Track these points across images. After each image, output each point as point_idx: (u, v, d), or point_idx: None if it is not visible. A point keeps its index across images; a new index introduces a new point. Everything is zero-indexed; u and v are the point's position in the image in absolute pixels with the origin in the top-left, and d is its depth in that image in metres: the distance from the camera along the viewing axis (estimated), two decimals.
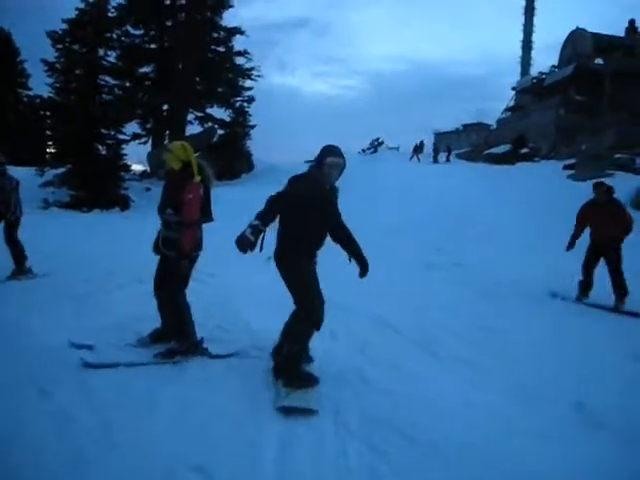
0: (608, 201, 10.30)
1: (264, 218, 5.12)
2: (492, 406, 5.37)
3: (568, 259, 11.14)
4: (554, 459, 4.42)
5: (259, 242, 5.15)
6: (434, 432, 4.66)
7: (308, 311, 5.34)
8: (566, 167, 34.43)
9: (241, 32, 32.66)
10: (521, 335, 7.83)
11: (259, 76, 33.33)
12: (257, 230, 5.03)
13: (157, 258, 6.23)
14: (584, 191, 24.89)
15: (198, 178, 5.88)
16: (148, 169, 29.74)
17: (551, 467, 4.31)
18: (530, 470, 4.25)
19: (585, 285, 10.41)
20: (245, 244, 4.97)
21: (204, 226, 6.22)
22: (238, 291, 9.20)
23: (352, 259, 5.79)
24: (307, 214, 5.30)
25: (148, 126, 32.56)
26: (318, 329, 5.44)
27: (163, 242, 6.03)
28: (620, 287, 9.86)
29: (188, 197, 5.79)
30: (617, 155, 33.17)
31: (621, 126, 38.90)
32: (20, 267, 9.92)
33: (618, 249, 10.04)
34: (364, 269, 5.71)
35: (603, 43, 52.64)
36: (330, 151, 5.38)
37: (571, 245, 10.49)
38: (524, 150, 45.30)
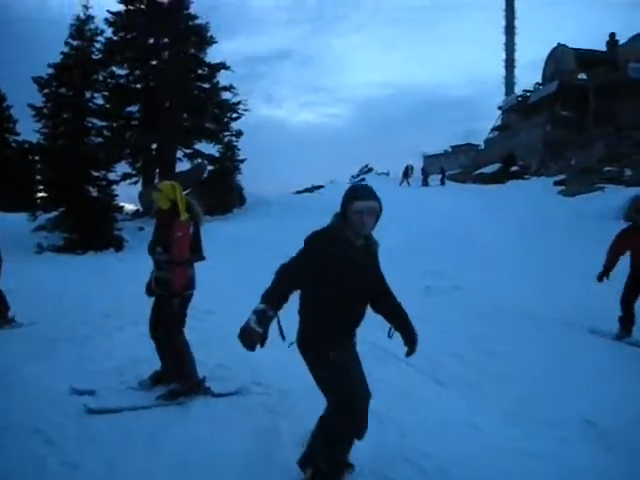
0: None
1: (272, 299, 3.80)
2: (499, 429, 5.36)
3: (565, 279, 11.14)
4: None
5: (275, 329, 3.98)
6: (443, 460, 4.64)
7: (344, 415, 3.97)
8: (556, 183, 34.55)
9: (225, 67, 32.76)
10: (523, 358, 7.80)
11: (246, 110, 33.32)
12: (264, 317, 3.74)
13: (152, 299, 6.22)
14: (575, 206, 25.24)
15: (185, 216, 5.91)
16: (140, 209, 29.74)
17: None
18: None
19: (627, 321, 9.03)
20: (250, 338, 3.73)
21: (197, 264, 6.21)
22: (238, 328, 9.12)
23: (396, 332, 4.36)
24: (334, 283, 3.92)
25: (138, 165, 32.57)
26: (360, 438, 4.12)
27: (155, 282, 6.04)
28: None
29: (177, 235, 5.80)
30: (606, 168, 33.35)
31: (608, 139, 39.20)
32: (2, 316, 9.72)
33: None
34: (413, 346, 4.31)
35: (585, 58, 53.22)
36: (357, 193, 3.94)
37: (605, 276, 9.14)
38: (514, 168, 45.47)
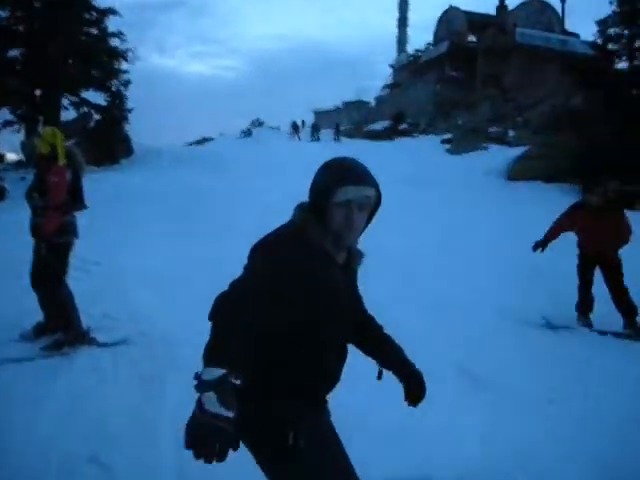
0: (611, 208, 8.21)
1: (231, 356, 1.96)
2: (370, 389, 5.50)
3: (452, 231, 11.45)
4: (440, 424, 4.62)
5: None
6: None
7: None
8: (444, 141, 35.45)
9: (114, 12, 31.67)
10: (401, 313, 8.01)
11: (135, 58, 32.51)
12: (229, 388, 1.88)
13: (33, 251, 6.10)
14: (462, 164, 25.99)
15: (63, 161, 5.87)
16: (23, 158, 28.64)
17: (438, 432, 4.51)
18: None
19: (585, 306, 8.32)
20: (217, 435, 1.81)
21: (81, 213, 6.13)
22: (127, 278, 9.00)
23: (387, 370, 2.77)
24: (310, 326, 2.34)
25: (20, 113, 31.22)
26: None
27: (31, 228, 5.97)
28: (629, 306, 7.97)
29: (53, 180, 5.77)
30: (491, 129, 34.49)
31: (494, 101, 40.46)
32: None
33: (618, 261, 8.18)
34: (419, 390, 2.74)
35: (475, 21, 54.50)
36: (345, 173, 2.34)
37: (541, 247, 8.42)
38: (403, 126, 46.26)
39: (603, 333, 7.80)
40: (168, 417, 4.51)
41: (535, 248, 8.42)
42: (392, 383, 2.66)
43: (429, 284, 9.43)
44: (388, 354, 2.79)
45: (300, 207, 2.47)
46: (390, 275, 9.49)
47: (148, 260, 9.71)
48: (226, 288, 2.11)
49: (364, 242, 2.47)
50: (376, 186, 2.37)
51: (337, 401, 2.60)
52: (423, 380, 2.74)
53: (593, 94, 23.01)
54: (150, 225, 12.76)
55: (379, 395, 3.88)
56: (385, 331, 2.84)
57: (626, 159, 18.36)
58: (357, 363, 2.71)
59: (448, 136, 36.58)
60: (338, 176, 2.31)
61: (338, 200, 2.29)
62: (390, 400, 2.78)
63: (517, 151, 25.18)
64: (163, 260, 9.80)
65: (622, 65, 23.48)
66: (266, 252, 2.26)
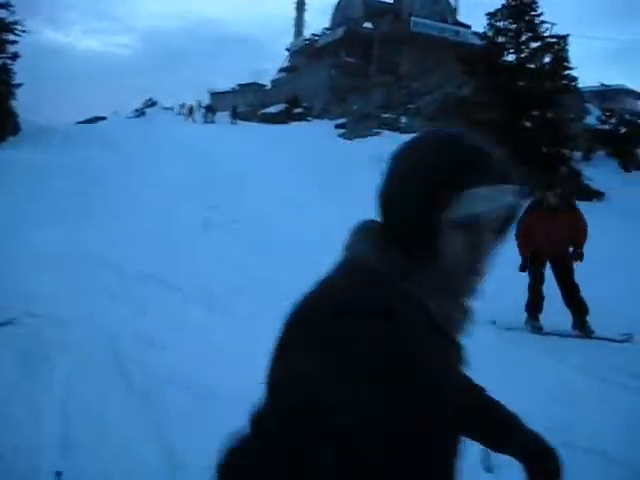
0: (566, 207, 8.20)
1: None
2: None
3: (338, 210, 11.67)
4: None
5: None
6: (210, 380, 4.89)
7: None
8: (337, 126, 35.79)
9: None
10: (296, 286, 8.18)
11: (24, 31, 31.19)
12: None
13: None
14: (354, 149, 26.37)
15: None
16: None
17: None
18: None
19: (535, 306, 8.14)
20: None
21: None
22: (15, 256, 8.79)
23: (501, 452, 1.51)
24: (410, 451, 1.01)
25: None
26: None
27: None
28: (581, 304, 7.78)
29: None
30: (384, 115, 35.12)
31: (388, 88, 41.20)
32: None
33: (570, 258, 8.11)
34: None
35: (372, 8, 55.11)
36: (472, 163, 1.07)
37: (526, 267, 8.23)
38: (298, 110, 46.43)
39: (552, 334, 7.80)
40: (55, 397, 4.55)
41: (522, 271, 8.23)
42: None
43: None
44: (506, 433, 1.54)
45: (367, 231, 1.21)
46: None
47: (40, 239, 9.51)
48: (242, 433, 0.99)
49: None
50: (521, 183, 1.17)
51: None
52: (561, 463, 1.49)
53: (483, 84, 23.77)
54: (39, 204, 12.46)
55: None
56: (488, 393, 1.59)
57: (513, 147, 19.18)
58: None
59: (342, 121, 36.97)
60: (456, 167, 1.09)
61: (456, 216, 1.07)
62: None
63: (408, 137, 25.69)
64: (55, 240, 9.61)
65: (511, 57, 24.25)
66: (338, 331, 1.00)
